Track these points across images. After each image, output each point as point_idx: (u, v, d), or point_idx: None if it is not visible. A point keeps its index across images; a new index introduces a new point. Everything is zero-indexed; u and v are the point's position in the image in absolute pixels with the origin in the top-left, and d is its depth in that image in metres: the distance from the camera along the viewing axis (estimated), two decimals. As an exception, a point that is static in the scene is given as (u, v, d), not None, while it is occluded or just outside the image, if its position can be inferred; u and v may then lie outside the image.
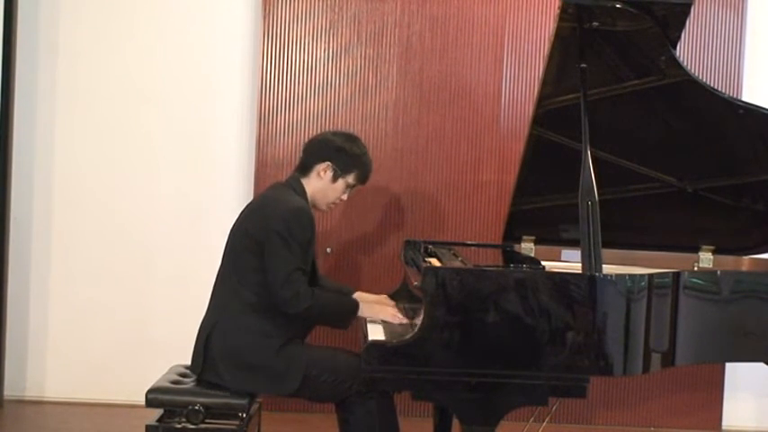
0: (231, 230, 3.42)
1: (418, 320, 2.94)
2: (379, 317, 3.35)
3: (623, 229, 3.70)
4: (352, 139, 3.48)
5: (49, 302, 4.89)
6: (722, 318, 3.19)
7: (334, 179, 3.40)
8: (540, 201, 3.72)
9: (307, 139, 3.56)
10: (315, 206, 3.45)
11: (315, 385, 3.22)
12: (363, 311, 3.36)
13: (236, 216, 3.46)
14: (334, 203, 3.49)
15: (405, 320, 3.33)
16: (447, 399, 2.94)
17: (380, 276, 4.75)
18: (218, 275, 3.41)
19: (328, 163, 3.39)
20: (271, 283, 3.20)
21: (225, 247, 3.42)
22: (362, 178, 3.46)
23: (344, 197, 3.48)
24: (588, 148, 3.01)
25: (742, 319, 3.21)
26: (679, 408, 4.92)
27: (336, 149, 3.40)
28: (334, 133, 3.56)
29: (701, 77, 3.45)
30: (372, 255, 4.85)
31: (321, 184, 3.41)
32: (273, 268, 3.20)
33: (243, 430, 3.17)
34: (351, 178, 3.42)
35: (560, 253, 3.86)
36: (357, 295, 3.60)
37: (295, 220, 3.24)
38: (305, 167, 3.44)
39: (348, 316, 3.35)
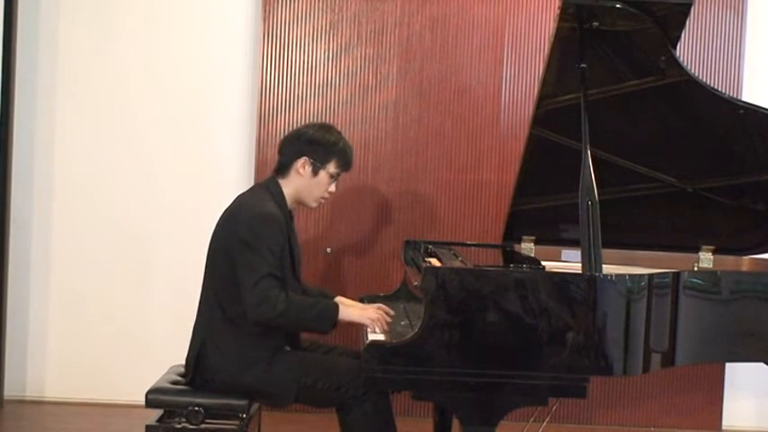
0: (211, 238, 3.33)
1: (415, 322, 2.94)
2: (359, 320, 3.24)
3: (623, 229, 3.69)
4: (324, 128, 3.38)
5: (49, 303, 4.89)
6: (722, 318, 3.18)
7: (315, 173, 3.29)
8: (540, 201, 3.72)
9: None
10: (303, 204, 3.37)
11: (311, 393, 3.19)
12: (343, 314, 3.19)
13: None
14: (322, 198, 3.36)
15: (384, 326, 3.19)
16: (447, 399, 2.94)
17: (380, 276, 4.75)
18: (202, 285, 3.34)
19: (305, 158, 3.28)
20: (242, 292, 3.10)
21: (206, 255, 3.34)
22: (344, 165, 3.33)
23: (332, 189, 3.35)
24: (588, 148, 3.01)
25: (742, 319, 3.21)
26: (679, 408, 4.92)
27: (309, 142, 3.29)
28: (306, 126, 3.45)
29: (701, 77, 3.45)
30: (372, 254, 4.84)
31: (303, 181, 3.30)
32: (241, 276, 3.11)
33: (243, 430, 3.17)
34: (332, 167, 3.30)
35: (560, 253, 3.86)
36: (338, 300, 3.44)
37: (260, 225, 3.14)
38: (282, 167, 3.33)
39: (326, 320, 3.16)
